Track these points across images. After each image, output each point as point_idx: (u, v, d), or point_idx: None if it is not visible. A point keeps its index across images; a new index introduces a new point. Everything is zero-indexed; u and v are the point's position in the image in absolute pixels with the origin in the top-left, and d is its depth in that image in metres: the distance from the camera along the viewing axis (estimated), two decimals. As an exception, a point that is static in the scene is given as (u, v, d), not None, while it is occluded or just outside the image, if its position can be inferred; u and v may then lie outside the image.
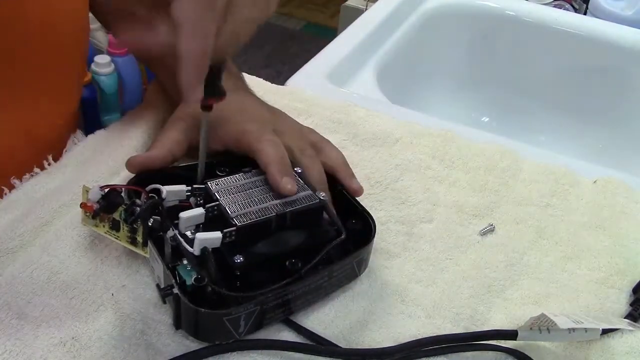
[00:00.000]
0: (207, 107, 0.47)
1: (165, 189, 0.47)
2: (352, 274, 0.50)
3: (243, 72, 0.65)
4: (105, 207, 0.45)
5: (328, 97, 0.73)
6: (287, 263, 0.46)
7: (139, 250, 0.45)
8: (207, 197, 0.48)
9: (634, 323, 0.50)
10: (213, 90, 0.45)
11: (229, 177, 0.50)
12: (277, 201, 0.48)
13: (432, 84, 1.04)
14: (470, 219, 0.59)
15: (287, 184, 0.49)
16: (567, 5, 1.17)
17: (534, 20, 1.01)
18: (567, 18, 1.01)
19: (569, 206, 0.62)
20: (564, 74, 1.01)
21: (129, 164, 0.51)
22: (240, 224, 0.45)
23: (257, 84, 0.72)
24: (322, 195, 0.49)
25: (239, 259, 0.44)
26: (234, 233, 0.45)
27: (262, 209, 0.47)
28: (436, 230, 0.57)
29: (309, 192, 0.50)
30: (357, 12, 1.26)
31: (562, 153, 0.71)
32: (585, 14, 1.13)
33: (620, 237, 0.59)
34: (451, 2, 1.04)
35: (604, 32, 0.98)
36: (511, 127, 1.01)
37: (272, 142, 0.52)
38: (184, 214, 0.45)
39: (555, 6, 1.12)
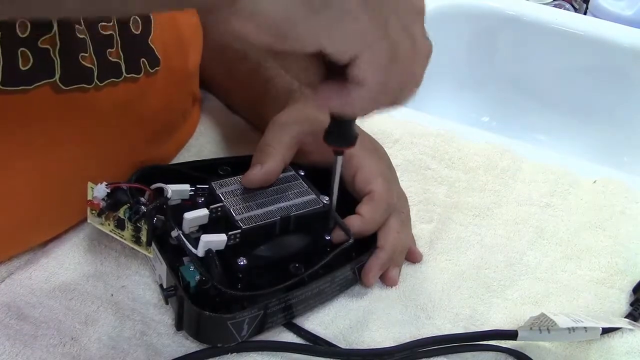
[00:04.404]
0: (339, 152, 0.46)
1: (170, 188, 0.47)
2: (354, 280, 0.50)
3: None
4: (111, 205, 0.45)
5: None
6: (290, 267, 0.46)
7: (142, 250, 0.45)
8: (210, 197, 0.48)
9: (634, 322, 0.50)
10: (346, 137, 0.44)
11: (233, 178, 0.49)
12: (282, 204, 0.48)
13: (432, 84, 1.03)
14: (470, 219, 0.59)
15: (372, 279, 0.49)
16: (567, 5, 1.17)
17: (534, 20, 1.00)
18: (567, 18, 1.01)
19: (569, 206, 0.62)
20: (564, 74, 1.00)
21: (250, 182, 0.49)
22: (245, 226, 0.45)
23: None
24: (326, 199, 0.49)
25: (242, 261, 0.44)
26: (238, 236, 0.44)
27: (266, 212, 0.47)
28: (436, 230, 0.57)
29: (313, 196, 0.50)
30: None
31: (562, 153, 0.71)
32: (585, 14, 1.13)
33: (620, 237, 0.59)
34: (451, 2, 1.03)
35: (604, 32, 0.97)
36: (511, 127, 1.01)
37: (398, 226, 0.51)
38: (188, 215, 0.45)
39: (555, 6, 1.12)
